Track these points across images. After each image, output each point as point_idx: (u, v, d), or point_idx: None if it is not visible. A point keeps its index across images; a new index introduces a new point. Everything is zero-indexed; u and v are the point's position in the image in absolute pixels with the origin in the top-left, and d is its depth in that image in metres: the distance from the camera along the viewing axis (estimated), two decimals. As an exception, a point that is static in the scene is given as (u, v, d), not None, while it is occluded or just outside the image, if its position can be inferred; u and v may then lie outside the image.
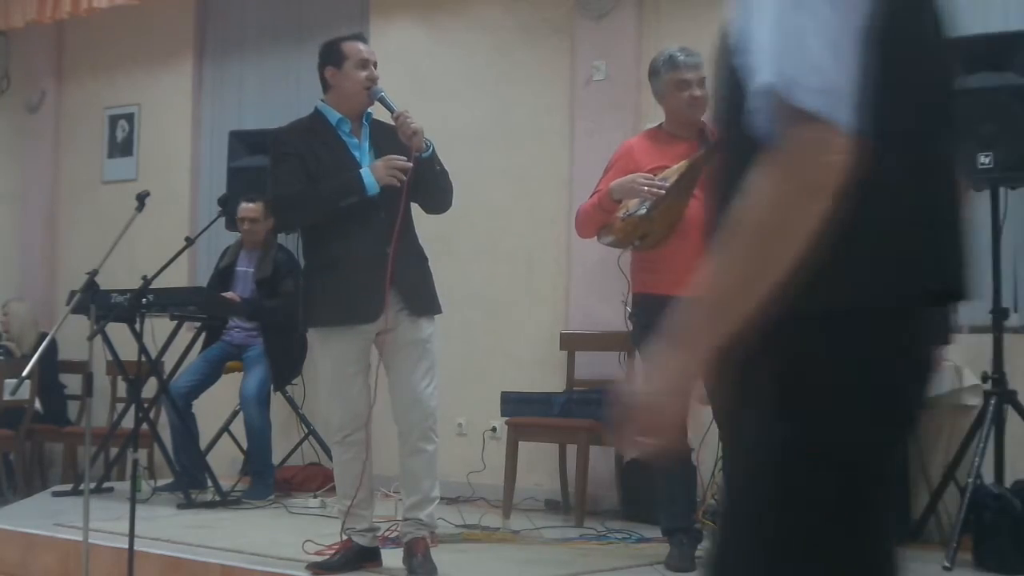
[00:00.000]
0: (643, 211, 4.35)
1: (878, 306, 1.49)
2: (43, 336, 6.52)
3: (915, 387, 1.57)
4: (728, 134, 1.60)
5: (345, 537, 4.30)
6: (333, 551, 4.34)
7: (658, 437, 1.49)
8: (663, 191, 4.31)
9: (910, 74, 1.53)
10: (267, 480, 6.28)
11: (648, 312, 4.47)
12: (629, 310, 4.64)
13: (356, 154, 4.28)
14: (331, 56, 4.30)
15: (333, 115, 4.30)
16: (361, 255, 4.13)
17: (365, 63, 4.29)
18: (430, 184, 4.27)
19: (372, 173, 4.15)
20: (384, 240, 4.13)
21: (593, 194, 4.54)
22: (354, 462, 4.19)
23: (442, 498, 4.45)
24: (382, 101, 4.25)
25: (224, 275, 6.58)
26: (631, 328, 4.68)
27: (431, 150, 4.26)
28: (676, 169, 4.35)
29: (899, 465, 1.60)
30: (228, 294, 6.36)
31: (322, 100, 4.36)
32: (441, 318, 4.37)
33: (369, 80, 4.28)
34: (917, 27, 1.55)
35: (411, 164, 4.16)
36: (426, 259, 4.34)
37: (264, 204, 6.32)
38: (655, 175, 4.39)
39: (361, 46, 4.32)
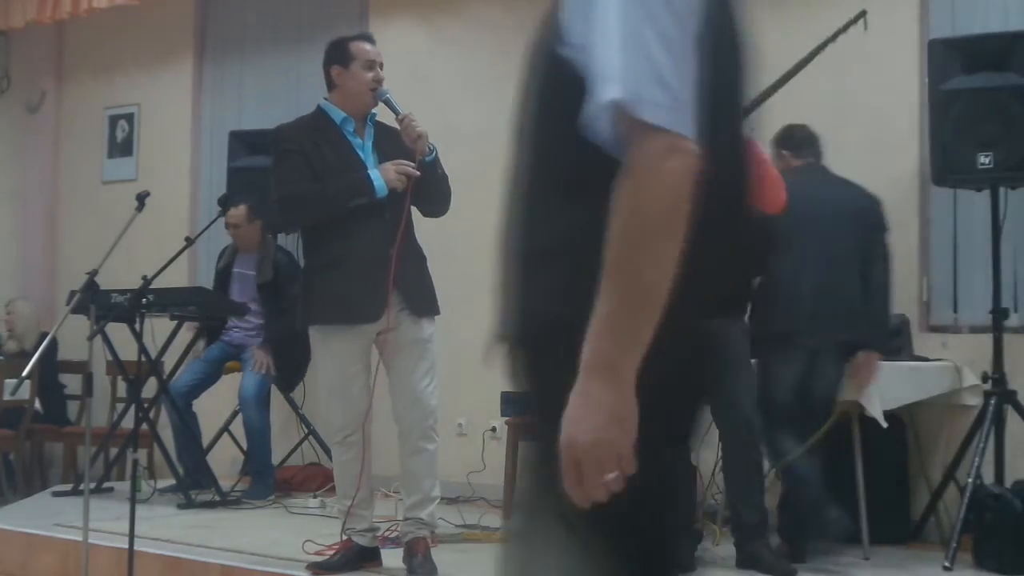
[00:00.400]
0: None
1: (693, 306, 1.52)
2: (44, 336, 6.52)
3: (703, 384, 1.70)
4: (539, 123, 1.62)
5: (345, 537, 4.30)
6: (333, 551, 4.34)
7: (613, 471, 1.45)
8: None
9: (727, 82, 1.58)
10: (267, 480, 6.27)
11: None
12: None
13: (361, 154, 4.29)
14: (338, 55, 4.30)
15: (337, 114, 4.29)
16: (364, 255, 4.13)
17: (372, 64, 4.29)
18: (431, 188, 4.28)
19: (382, 175, 4.16)
20: (387, 241, 4.13)
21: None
22: (354, 462, 4.19)
23: (442, 498, 4.45)
24: (387, 103, 4.25)
25: (223, 277, 6.58)
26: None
27: (434, 154, 4.27)
28: None
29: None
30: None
31: (325, 99, 4.36)
32: (441, 318, 4.37)
33: (375, 81, 4.28)
34: (731, 36, 1.61)
35: (418, 173, 4.17)
36: (425, 259, 4.34)
37: (247, 208, 6.32)
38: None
39: (369, 47, 4.33)
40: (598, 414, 1.44)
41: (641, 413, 1.47)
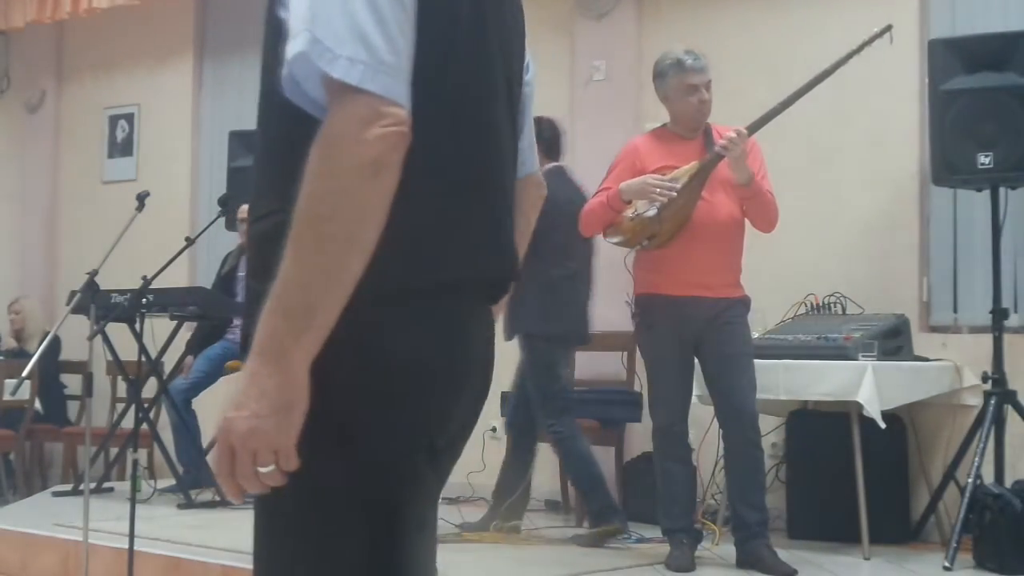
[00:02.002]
0: (652, 212, 4.36)
1: (416, 289, 1.42)
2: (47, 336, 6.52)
3: (456, 374, 1.49)
4: (262, 91, 1.49)
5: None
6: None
7: (275, 463, 1.33)
8: (674, 193, 4.32)
9: (459, 56, 1.46)
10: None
11: (652, 313, 4.48)
12: (633, 310, 4.64)
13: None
14: None
15: None
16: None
17: None
18: None
19: None
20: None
21: (598, 192, 4.55)
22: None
23: (442, 498, 4.44)
24: None
25: (227, 281, 6.56)
26: (635, 329, 4.68)
27: None
28: (686, 170, 4.37)
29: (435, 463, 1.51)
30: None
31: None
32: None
33: None
34: (466, 8, 1.49)
35: None
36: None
37: None
38: (661, 174, 4.40)
39: None
40: (260, 400, 1.31)
41: (327, 406, 1.35)
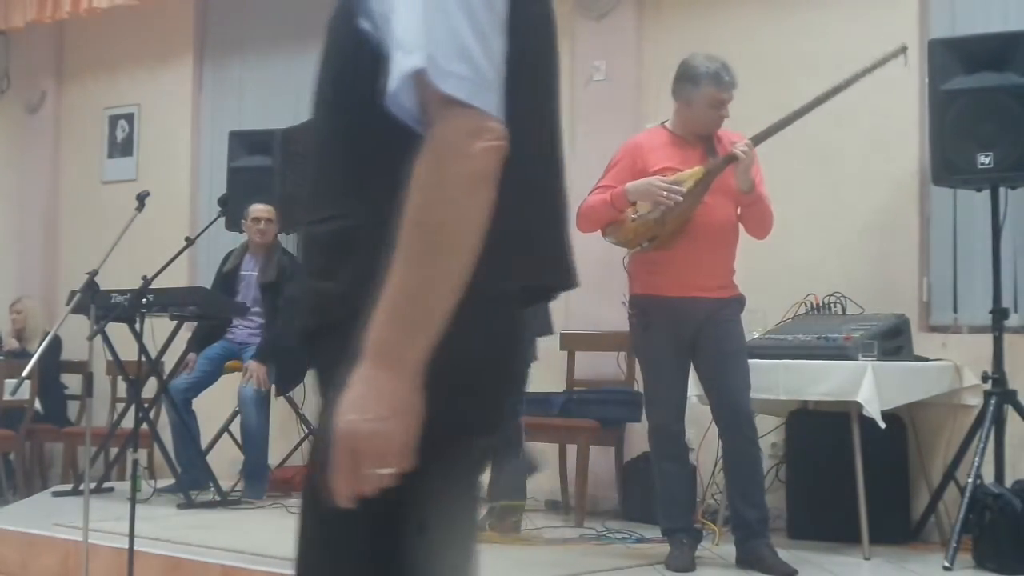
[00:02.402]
0: (656, 214, 4.37)
1: (488, 294, 1.44)
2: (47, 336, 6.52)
3: (512, 375, 1.58)
4: (334, 98, 1.53)
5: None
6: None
7: (391, 465, 1.36)
8: (680, 197, 4.33)
9: (528, 65, 1.51)
10: (261, 483, 6.26)
11: (649, 313, 4.48)
12: (629, 311, 4.64)
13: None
14: None
15: None
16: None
17: None
18: None
19: None
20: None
21: (595, 189, 4.54)
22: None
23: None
24: None
25: (228, 279, 6.55)
26: (631, 329, 4.68)
27: None
28: (691, 175, 4.38)
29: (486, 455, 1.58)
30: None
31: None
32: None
33: None
34: (533, 17, 1.54)
35: None
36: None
37: (276, 207, 6.31)
38: (662, 176, 4.41)
39: None
40: (381, 403, 1.35)
41: (434, 405, 1.38)
